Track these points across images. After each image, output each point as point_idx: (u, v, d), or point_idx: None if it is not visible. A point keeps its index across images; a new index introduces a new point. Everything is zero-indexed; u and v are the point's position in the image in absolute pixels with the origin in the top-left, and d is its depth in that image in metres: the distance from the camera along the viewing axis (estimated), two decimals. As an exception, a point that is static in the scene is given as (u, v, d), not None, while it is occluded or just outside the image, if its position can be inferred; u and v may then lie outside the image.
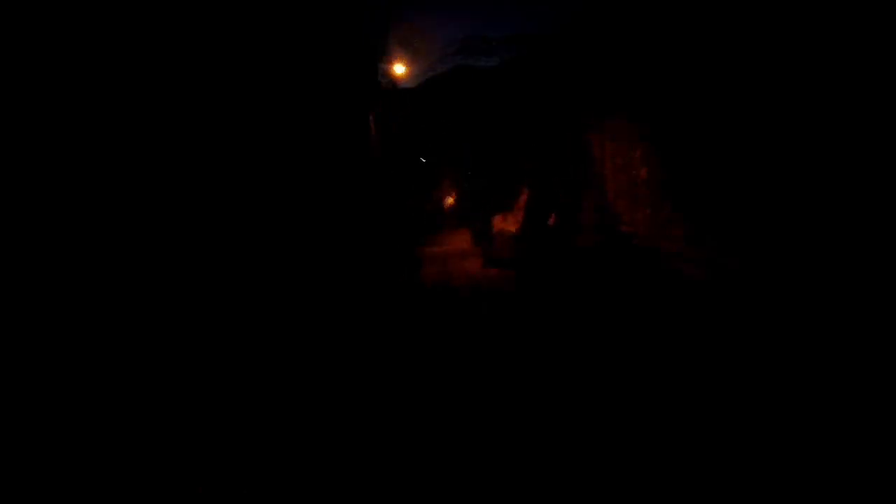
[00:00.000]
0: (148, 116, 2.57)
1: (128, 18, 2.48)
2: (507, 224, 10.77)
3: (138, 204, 2.47)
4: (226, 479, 1.89)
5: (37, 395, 1.87)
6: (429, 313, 4.57)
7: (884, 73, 2.54)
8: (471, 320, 4.25)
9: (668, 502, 1.75)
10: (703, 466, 1.93)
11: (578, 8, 6.86)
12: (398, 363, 3.29)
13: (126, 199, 2.41)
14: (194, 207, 2.86)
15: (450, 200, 9.77)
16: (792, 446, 2.01)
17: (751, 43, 3.41)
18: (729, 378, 2.70)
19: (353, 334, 3.88)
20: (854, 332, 2.65)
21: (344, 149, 5.86)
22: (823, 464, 1.88)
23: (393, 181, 11.46)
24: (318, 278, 4.40)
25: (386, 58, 10.71)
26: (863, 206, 2.67)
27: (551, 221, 6.76)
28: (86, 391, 2.03)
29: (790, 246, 3.16)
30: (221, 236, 3.06)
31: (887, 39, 2.50)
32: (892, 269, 2.54)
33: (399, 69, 11.19)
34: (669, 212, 4.73)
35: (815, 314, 2.94)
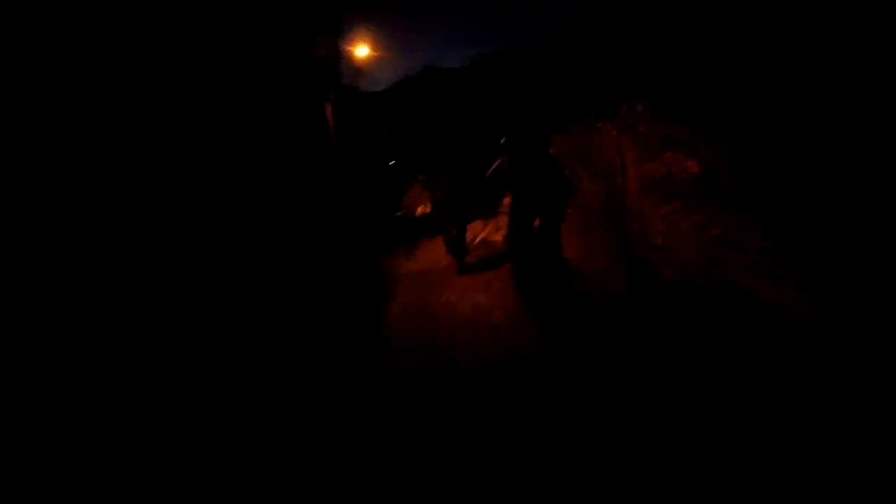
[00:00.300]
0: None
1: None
2: (487, 232, 9.43)
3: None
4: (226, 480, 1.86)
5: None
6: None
7: None
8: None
9: None
10: None
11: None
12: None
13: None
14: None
15: (421, 207, 8.35)
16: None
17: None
18: None
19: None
20: None
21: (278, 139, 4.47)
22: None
23: (357, 185, 10.12)
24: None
25: (345, 36, 9.18)
26: None
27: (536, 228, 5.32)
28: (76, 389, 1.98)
29: None
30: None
31: None
32: None
33: (361, 51, 9.66)
34: (740, 218, 3.47)
35: None
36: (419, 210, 8.69)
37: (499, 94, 16.45)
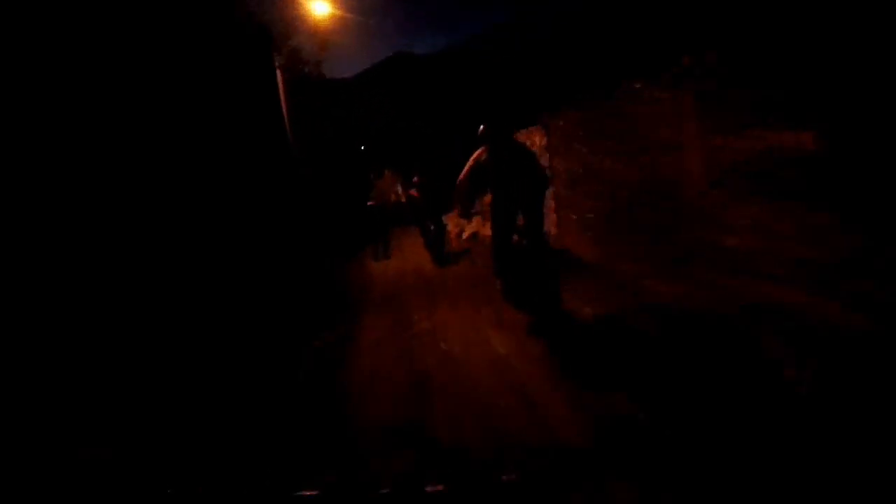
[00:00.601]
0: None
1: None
2: (474, 225, 8.04)
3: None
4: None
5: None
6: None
7: None
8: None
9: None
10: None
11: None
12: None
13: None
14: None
15: (394, 195, 6.99)
16: None
17: None
18: None
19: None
20: None
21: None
22: None
23: (318, 178, 8.56)
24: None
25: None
26: None
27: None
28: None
29: None
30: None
31: None
32: None
33: (321, 7, 7.89)
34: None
35: None
36: (392, 197, 7.19)
37: (482, 81, 15.23)
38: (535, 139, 6.03)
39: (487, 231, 6.59)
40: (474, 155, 3.85)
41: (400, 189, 7.06)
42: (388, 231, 7.39)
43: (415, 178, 6.50)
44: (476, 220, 7.97)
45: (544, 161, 5.64)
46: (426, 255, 6.68)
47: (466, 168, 3.85)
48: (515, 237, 4.11)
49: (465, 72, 16.79)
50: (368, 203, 7.08)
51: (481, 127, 3.81)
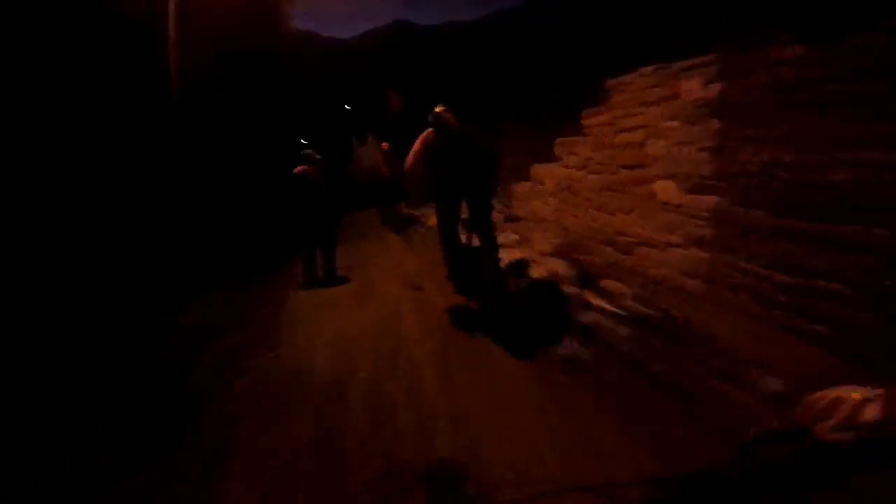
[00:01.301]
0: None
1: None
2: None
3: None
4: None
5: None
6: None
7: None
8: None
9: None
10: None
11: None
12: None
13: None
14: None
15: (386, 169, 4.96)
16: None
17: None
18: None
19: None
20: None
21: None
22: None
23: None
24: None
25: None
26: None
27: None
28: None
29: None
30: None
31: None
32: None
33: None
34: None
35: None
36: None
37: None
38: (688, 87, 3.00)
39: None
40: (421, 138, 3.47)
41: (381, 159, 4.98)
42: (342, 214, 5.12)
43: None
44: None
45: (700, 140, 2.78)
46: (416, 272, 3.94)
47: (416, 153, 3.45)
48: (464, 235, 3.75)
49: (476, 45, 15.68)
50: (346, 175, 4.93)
51: (438, 108, 3.38)
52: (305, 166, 4.56)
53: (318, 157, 4.67)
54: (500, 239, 3.94)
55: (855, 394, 0.48)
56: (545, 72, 10.32)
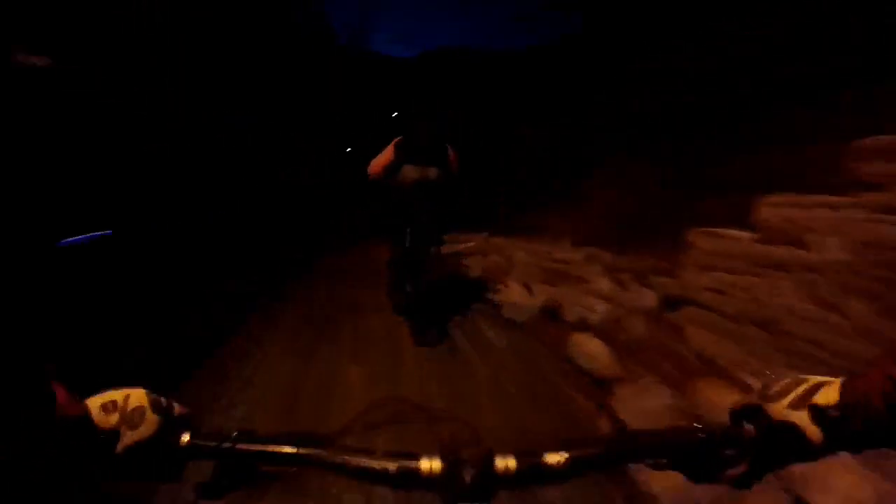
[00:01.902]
0: None
1: None
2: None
3: None
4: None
5: None
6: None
7: None
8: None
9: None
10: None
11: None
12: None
13: None
14: None
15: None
16: None
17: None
18: None
19: None
20: None
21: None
22: None
23: None
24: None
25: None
26: None
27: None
28: None
29: None
30: None
31: None
32: None
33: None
34: None
35: None
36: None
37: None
38: None
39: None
40: (393, 143, 3.37)
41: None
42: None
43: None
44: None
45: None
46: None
47: (385, 158, 3.34)
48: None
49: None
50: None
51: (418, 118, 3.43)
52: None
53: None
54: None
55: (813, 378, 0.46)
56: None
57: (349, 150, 13.48)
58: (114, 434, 0.42)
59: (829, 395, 0.45)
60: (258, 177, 7.50)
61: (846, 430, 0.44)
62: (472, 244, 5.79)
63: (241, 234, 6.24)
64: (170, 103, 5.72)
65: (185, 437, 0.45)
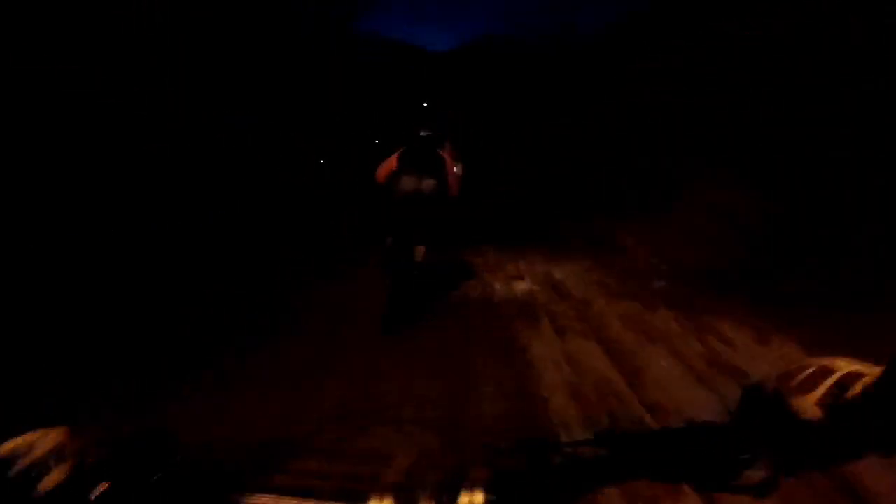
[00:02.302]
0: None
1: None
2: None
3: None
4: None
5: None
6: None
7: None
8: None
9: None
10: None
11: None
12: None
13: None
14: None
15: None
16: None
17: None
18: None
19: None
20: None
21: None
22: None
23: None
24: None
25: None
26: None
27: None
28: None
29: None
30: None
31: None
32: None
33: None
34: None
35: None
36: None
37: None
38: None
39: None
40: (396, 153, 3.48)
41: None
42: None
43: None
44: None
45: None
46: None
47: (389, 166, 3.45)
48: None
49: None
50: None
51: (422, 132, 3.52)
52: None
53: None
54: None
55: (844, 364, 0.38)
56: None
57: (377, 141, 13.84)
58: (26, 480, 0.38)
59: (867, 389, 0.39)
60: (258, 177, 7.46)
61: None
62: (523, 285, 4.72)
63: (240, 235, 6.21)
64: (170, 103, 5.69)
65: (102, 488, 0.39)
